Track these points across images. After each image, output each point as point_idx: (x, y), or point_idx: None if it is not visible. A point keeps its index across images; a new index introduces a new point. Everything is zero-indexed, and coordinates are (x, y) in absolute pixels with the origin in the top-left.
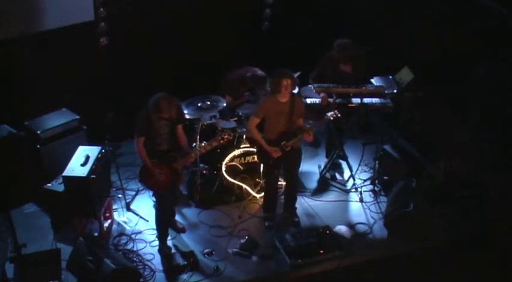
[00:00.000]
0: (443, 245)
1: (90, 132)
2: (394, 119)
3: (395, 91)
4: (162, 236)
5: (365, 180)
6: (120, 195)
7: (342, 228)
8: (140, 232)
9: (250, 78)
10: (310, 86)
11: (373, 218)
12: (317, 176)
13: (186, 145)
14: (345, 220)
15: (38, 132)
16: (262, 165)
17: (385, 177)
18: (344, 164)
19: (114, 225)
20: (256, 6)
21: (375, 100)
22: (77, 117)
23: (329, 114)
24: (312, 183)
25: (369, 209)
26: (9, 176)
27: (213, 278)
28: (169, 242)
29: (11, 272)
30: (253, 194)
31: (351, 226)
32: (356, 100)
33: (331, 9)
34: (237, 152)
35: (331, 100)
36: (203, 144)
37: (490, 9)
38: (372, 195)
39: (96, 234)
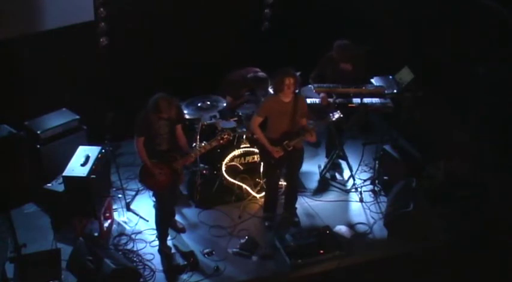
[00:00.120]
0: (443, 245)
1: (90, 132)
2: (394, 119)
3: (395, 91)
4: (162, 236)
5: (365, 180)
6: (120, 195)
7: (342, 228)
8: (140, 232)
9: (251, 79)
10: (310, 86)
11: (373, 218)
12: (317, 176)
13: (185, 145)
14: (345, 220)
15: (38, 132)
16: (262, 165)
17: (385, 177)
18: (344, 164)
19: (114, 225)
20: (256, 6)
21: (375, 100)
22: (77, 117)
23: (334, 114)
24: (312, 183)
25: (369, 209)
26: (9, 176)
27: (213, 278)
28: (169, 242)
29: (11, 272)
30: (253, 194)
31: (351, 226)
32: (356, 100)
33: (331, 9)
34: (237, 152)
35: (331, 100)
36: (203, 144)
37: (490, 9)
38: (372, 195)
39: (96, 234)
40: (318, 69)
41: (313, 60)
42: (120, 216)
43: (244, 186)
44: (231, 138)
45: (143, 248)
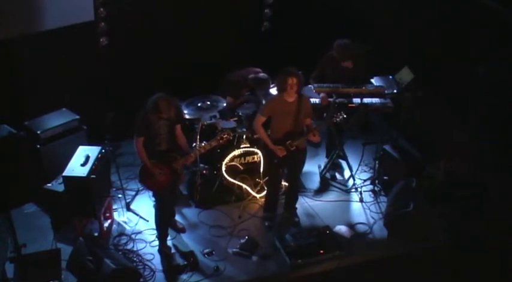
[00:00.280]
0: (443, 245)
1: (90, 132)
2: (394, 119)
3: (395, 91)
4: (162, 236)
5: (365, 180)
6: (120, 195)
7: (342, 228)
8: (140, 232)
9: (252, 80)
10: (310, 86)
11: (373, 218)
12: (317, 176)
13: (185, 145)
14: (345, 220)
15: (38, 132)
16: (262, 165)
17: (385, 177)
18: (344, 164)
19: (114, 225)
20: (256, 6)
21: (375, 100)
22: (77, 117)
23: (338, 115)
24: (312, 183)
25: (369, 209)
26: (9, 176)
27: (213, 278)
28: (169, 242)
29: (11, 272)
30: (253, 194)
31: (351, 226)
32: (356, 100)
33: (331, 9)
34: (237, 152)
35: (331, 100)
36: (203, 144)
37: (490, 9)
38: (372, 195)
39: (96, 234)
40: (318, 69)
41: (313, 60)
42: (120, 216)
43: (244, 186)
44: (231, 138)
45: (143, 248)
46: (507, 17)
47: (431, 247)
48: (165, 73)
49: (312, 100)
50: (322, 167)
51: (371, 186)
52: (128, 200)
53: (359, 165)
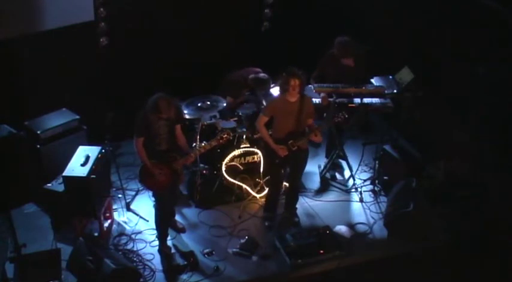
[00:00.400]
0: (443, 245)
1: (90, 132)
2: (394, 119)
3: (395, 91)
4: (162, 236)
5: (365, 180)
6: (120, 195)
7: (342, 228)
8: (140, 232)
9: (252, 80)
10: (310, 86)
11: (373, 218)
12: (317, 176)
13: (185, 145)
14: (345, 220)
15: (38, 132)
16: (262, 165)
17: (385, 177)
18: (344, 164)
19: (114, 225)
20: (256, 6)
21: (375, 100)
22: (77, 117)
23: (340, 115)
24: (312, 183)
25: (369, 209)
26: (9, 176)
27: (213, 278)
28: (169, 242)
29: (11, 272)
30: (253, 194)
31: (351, 226)
32: (356, 100)
33: (331, 9)
34: (237, 152)
35: (331, 100)
36: (203, 144)
37: (490, 9)
38: (372, 195)
39: (96, 234)
40: (318, 68)
41: (313, 60)
42: (120, 216)
43: (244, 186)
44: (231, 138)
45: (143, 248)
46: (507, 17)
47: (431, 247)
48: (165, 73)
49: (313, 100)
50: (322, 167)
51: (371, 186)
52: (128, 200)
53: (359, 165)
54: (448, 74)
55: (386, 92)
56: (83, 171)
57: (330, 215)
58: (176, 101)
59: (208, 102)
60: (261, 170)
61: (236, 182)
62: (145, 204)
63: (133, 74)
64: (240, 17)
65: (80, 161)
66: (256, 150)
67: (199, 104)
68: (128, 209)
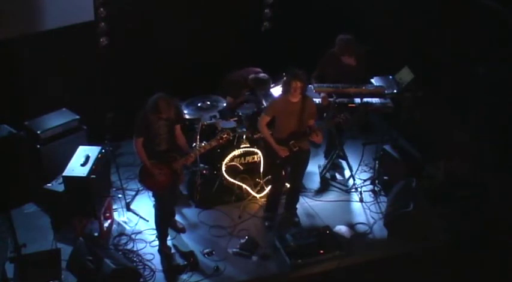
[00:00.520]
0: (443, 245)
1: (90, 132)
2: (394, 119)
3: (395, 91)
4: (162, 236)
5: (365, 180)
6: (120, 195)
7: (342, 228)
8: (140, 232)
9: (252, 80)
10: (310, 86)
11: (373, 218)
12: (317, 176)
13: (185, 145)
14: (345, 220)
15: (38, 132)
16: (262, 165)
17: (385, 177)
18: (344, 164)
19: (114, 225)
20: (256, 6)
21: (375, 100)
22: (77, 117)
23: (341, 116)
24: (312, 183)
25: (369, 209)
26: (9, 176)
27: (213, 278)
28: (169, 242)
29: (11, 272)
30: (253, 194)
31: (351, 226)
32: (356, 100)
33: (331, 9)
34: (237, 152)
35: (331, 100)
36: (203, 144)
37: (490, 9)
38: (372, 195)
39: (96, 234)
40: (319, 68)
41: (313, 60)
42: (120, 216)
43: (244, 186)
44: (231, 138)
45: (143, 248)
46: (507, 17)
47: (431, 247)
48: (165, 73)
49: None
50: (322, 167)
51: (371, 186)
52: (128, 200)
53: (359, 165)
54: (448, 74)
55: (386, 92)
56: (83, 171)
57: (330, 215)
58: (176, 101)
59: (208, 102)
60: (261, 170)
61: (236, 182)
62: (145, 204)
63: (133, 74)
64: (240, 17)
65: (80, 161)
66: (256, 150)
67: (199, 104)
68: (128, 209)
